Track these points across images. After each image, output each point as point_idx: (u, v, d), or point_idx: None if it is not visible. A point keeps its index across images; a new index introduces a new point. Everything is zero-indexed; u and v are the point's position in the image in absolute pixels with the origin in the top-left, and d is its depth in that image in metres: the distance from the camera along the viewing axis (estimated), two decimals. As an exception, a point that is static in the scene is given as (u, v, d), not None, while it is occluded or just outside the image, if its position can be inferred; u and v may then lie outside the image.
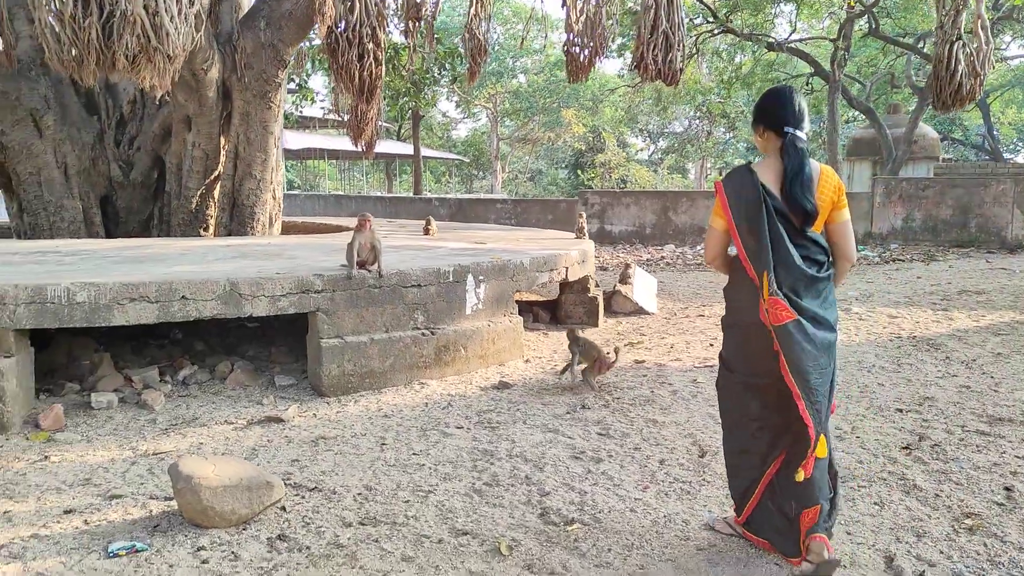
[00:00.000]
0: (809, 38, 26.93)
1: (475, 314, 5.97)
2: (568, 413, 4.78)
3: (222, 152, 8.27)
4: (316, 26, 7.72)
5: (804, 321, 2.75)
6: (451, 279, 5.79)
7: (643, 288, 8.55)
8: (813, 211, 2.83)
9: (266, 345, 6.40)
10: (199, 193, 8.24)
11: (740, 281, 2.95)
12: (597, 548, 3.03)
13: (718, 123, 37.76)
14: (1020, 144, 50.49)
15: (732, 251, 3.00)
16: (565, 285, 7.48)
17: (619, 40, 25.87)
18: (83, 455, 4.09)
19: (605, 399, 5.05)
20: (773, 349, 2.78)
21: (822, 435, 2.81)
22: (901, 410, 4.73)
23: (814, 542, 2.79)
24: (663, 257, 14.24)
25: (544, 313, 7.71)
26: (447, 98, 39.81)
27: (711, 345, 6.63)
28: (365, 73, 7.28)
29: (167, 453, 4.11)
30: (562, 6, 6.55)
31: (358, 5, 7.10)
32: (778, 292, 2.76)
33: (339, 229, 10.10)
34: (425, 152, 32.47)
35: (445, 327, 5.72)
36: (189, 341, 6.31)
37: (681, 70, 6.57)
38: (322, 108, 22.46)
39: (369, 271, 5.41)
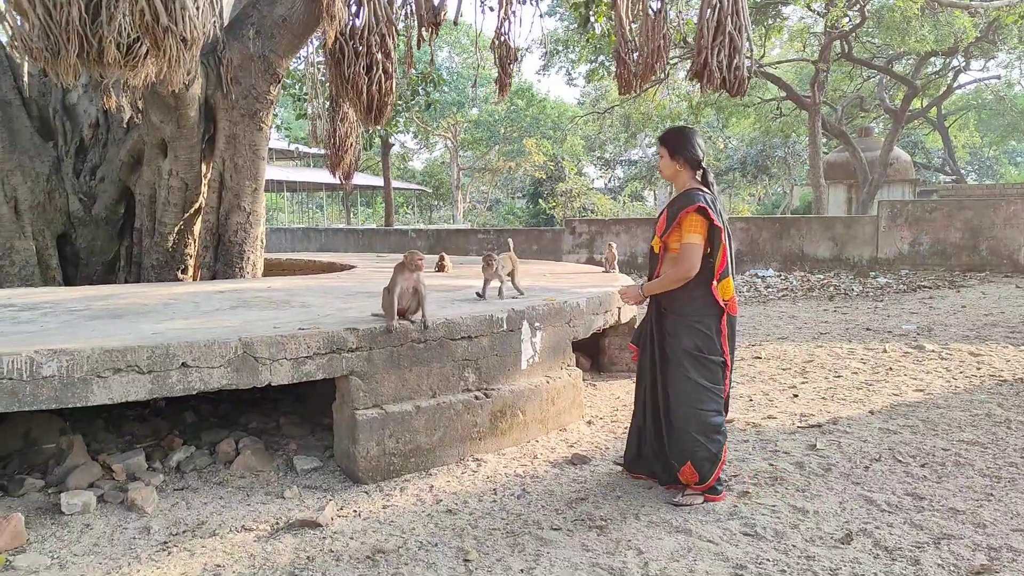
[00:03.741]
0: (787, 60, 26.65)
1: (531, 368, 4.94)
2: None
3: (204, 181, 7.08)
4: (316, 33, 6.70)
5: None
6: (505, 327, 4.75)
7: (684, 327, 7.59)
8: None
9: (270, 412, 5.27)
10: (176, 229, 7.02)
11: (705, 284, 3.61)
12: None
13: (685, 149, 37.34)
14: (971, 167, 51.44)
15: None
16: (607, 327, 6.49)
17: (586, 65, 25.31)
18: (55, 593, 2.96)
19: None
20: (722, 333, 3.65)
21: None
22: (1093, 483, 3.83)
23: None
24: (668, 288, 13.34)
25: (584, 360, 6.68)
26: (405, 127, 38.74)
27: (795, 396, 5.71)
28: (374, 88, 6.25)
29: (174, 586, 2.99)
30: (611, 7, 5.65)
31: (366, 7, 6.11)
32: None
33: (331, 267, 8.97)
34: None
35: (500, 387, 4.67)
36: (175, 410, 5.16)
37: (749, 77, 5.69)
38: (287, 138, 21.30)
39: (411, 321, 4.36)
